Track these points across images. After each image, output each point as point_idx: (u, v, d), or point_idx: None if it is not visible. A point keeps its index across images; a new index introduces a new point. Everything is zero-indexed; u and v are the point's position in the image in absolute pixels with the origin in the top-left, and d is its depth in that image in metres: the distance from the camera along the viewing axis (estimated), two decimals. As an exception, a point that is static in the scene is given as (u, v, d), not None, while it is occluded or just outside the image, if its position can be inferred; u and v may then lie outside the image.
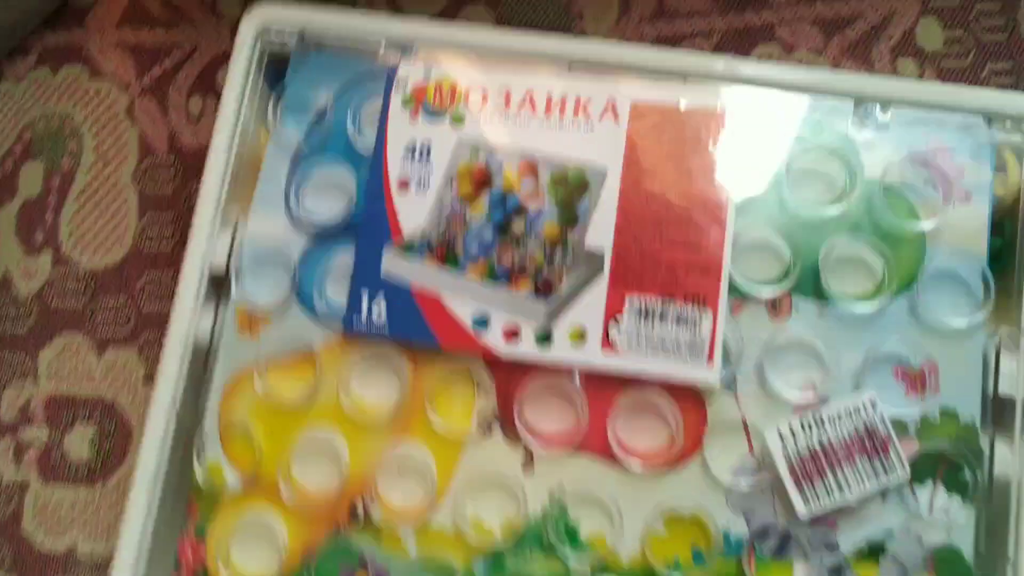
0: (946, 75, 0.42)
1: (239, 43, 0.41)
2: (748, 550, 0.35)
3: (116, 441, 0.41)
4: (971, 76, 0.42)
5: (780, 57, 0.43)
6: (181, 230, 0.44)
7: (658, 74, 0.39)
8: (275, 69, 0.42)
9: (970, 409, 0.35)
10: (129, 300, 0.43)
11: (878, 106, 0.37)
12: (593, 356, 0.36)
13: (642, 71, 0.39)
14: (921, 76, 0.42)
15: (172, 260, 0.43)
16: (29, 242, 0.45)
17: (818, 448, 0.34)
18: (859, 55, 0.43)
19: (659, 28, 0.45)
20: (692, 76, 0.38)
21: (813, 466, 0.34)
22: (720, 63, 0.38)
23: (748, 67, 0.39)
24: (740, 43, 0.44)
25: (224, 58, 0.46)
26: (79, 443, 0.42)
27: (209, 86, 0.46)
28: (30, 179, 0.45)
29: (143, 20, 0.47)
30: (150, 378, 0.42)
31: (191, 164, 0.45)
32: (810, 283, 0.37)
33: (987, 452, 0.35)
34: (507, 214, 0.38)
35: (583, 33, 0.45)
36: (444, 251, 0.38)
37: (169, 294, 0.43)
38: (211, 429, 0.38)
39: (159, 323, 0.43)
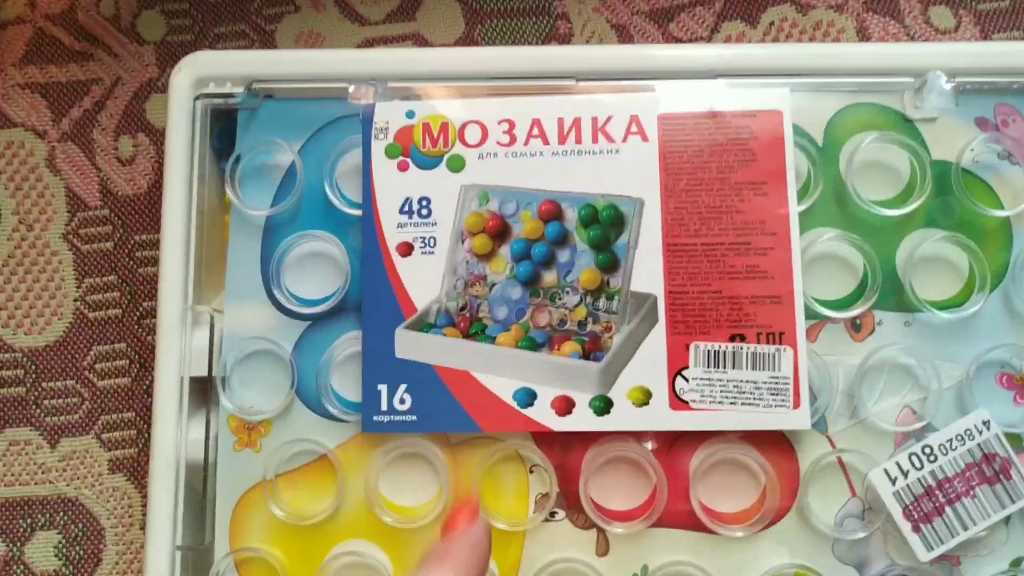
0: (985, 19, 0.37)
1: (173, 105, 0.34)
2: (866, 605, 0.31)
3: (86, 545, 0.36)
4: (1012, 18, 0.37)
5: (795, 20, 0.38)
6: (129, 293, 0.37)
7: (683, 74, 0.33)
8: (221, 126, 0.35)
9: (1085, 407, 0.32)
10: (79, 380, 0.37)
11: (942, 77, 0.32)
12: (662, 418, 0.31)
13: (663, 74, 0.33)
14: (958, 26, 0.37)
15: (123, 328, 0.37)
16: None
17: (932, 484, 0.30)
18: (884, 8, 0.37)
19: (652, 0, 0.39)
20: (725, 72, 0.33)
21: (929, 504, 0.30)
22: (758, 51, 0.33)
23: (789, 52, 0.33)
24: (747, 8, 0.38)
25: (153, 87, 0.39)
26: (43, 553, 0.36)
27: (138, 122, 0.38)
28: (-58, 259, 0.38)
29: (51, 54, 0.39)
30: (116, 466, 0.36)
31: (130, 213, 0.38)
32: (891, 292, 0.32)
33: (1110, 452, 0.31)
34: (535, 266, 0.32)
35: (564, 15, 0.38)
36: (468, 321, 0.32)
37: (123, 369, 0.37)
38: (225, 564, 0.32)
39: (116, 401, 0.36)
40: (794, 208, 0.31)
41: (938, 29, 0.37)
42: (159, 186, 0.39)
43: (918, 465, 0.30)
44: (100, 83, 0.39)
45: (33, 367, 0.37)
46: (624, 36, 0.39)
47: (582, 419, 0.31)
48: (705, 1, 0.39)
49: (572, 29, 0.39)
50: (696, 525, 0.31)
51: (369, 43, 0.39)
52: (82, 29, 0.40)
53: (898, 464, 0.30)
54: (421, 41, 0.39)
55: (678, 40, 0.38)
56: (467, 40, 0.39)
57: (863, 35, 0.37)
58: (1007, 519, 0.31)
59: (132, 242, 0.38)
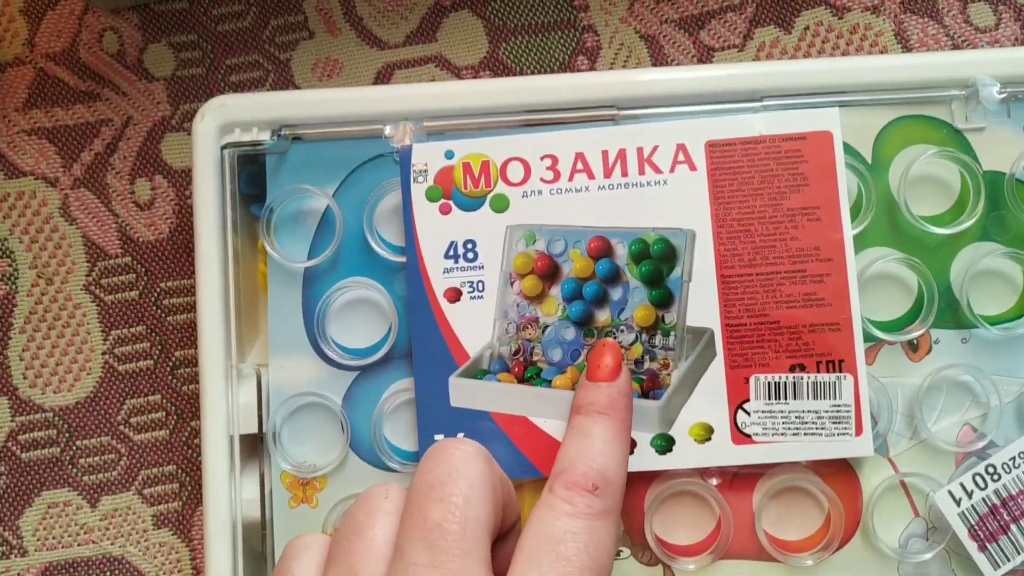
0: (1024, 12, 0.36)
1: (199, 154, 0.32)
2: (933, 622, 0.31)
3: None
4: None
5: (831, 24, 0.37)
6: (160, 343, 0.36)
7: (727, 97, 0.32)
8: (248, 170, 0.33)
9: None
10: (114, 435, 0.36)
11: (994, 86, 0.31)
12: (726, 453, 0.31)
13: (707, 98, 0.32)
14: (998, 23, 0.36)
15: (156, 380, 0.36)
16: (-23, 396, 0.37)
17: (997, 502, 0.30)
18: (922, 8, 0.36)
19: (681, 8, 0.37)
20: (771, 93, 0.32)
21: (995, 523, 0.30)
22: (803, 68, 0.32)
23: (835, 67, 0.32)
24: (780, 13, 0.37)
25: (166, 126, 0.37)
26: None
27: (155, 163, 0.37)
28: (-42, 318, 0.37)
29: (55, 96, 0.37)
30: (161, 521, 0.35)
31: (153, 259, 0.37)
32: (947, 309, 0.32)
33: None
34: (587, 306, 0.31)
35: (591, 28, 0.37)
36: (522, 365, 0.31)
37: (160, 422, 0.36)
38: (290, 618, 0.32)
39: (156, 455, 0.36)
40: (848, 232, 0.31)
41: (978, 28, 0.36)
42: (181, 230, 0.37)
43: (982, 485, 0.31)
44: (110, 124, 0.38)
45: (66, 426, 0.37)
46: (654, 47, 0.37)
47: (644, 458, 0.31)
48: (736, 7, 0.37)
49: (600, 42, 0.38)
50: (762, 555, 0.31)
51: (389, 68, 0.38)
52: (86, 67, 0.38)
53: (962, 485, 0.31)
54: (444, 63, 0.38)
55: (710, 48, 0.37)
56: (492, 60, 0.38)
57: (901, 38, 0.36)
58: (1069, 530, 0.31)
59: (158, 290, 0.37)
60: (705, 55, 0.37)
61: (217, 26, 0.38)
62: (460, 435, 0.31)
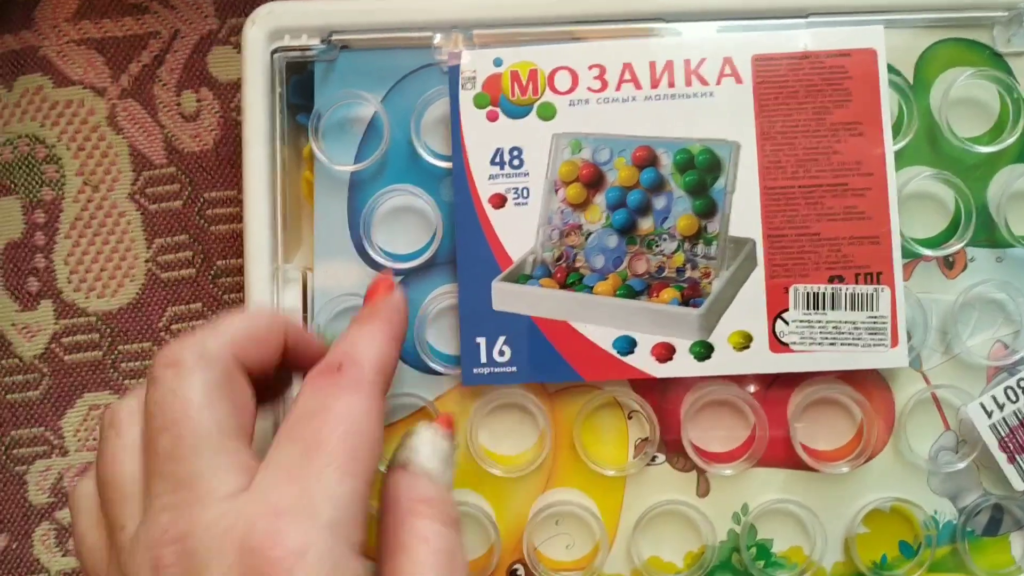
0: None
1: (249, 60, 0.33)
2: (960, 533, 0.32)
3: None
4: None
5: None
6: (202, 252, 0.37)
7: (774, 12, 0.32)
8: (296, 79, 0.34)
9: None
10: (155, 341, 0.36)
11: (1036, 9, 0.32)
12: (764, 361, 0.31)
13: (754, 13, 0.32)
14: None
15: (198, 288, 0.37)
16: (22, 293, 0.37)
17: (1027, 415, 0.31)
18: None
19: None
20: (817, 10, 0.32)
21: (1024, 436, 0.31)
22: (846, -13, 0.32)
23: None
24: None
25: (213, 39, 0.37)
26: None
27: (201, 76, 0.37)
28: (7, 219, 0.37)
29: (104, 8, 0.38)
30: None
31: (198, 170, 0.37)
32: (982, 228, 0.32)
33: None
34: (631, 214, 0.32)
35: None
36: (564, 271, 0.32)
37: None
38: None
39: None
40: (890, 148, 0.31)
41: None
42: (226, 142, 0.38)
43: (1013, 398, 0.31)
44: (158, 36, 0.38)
45: (108, 330, 0.37)
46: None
47: (683, 365, 0.31)
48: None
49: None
50: (796, 463, 0.32)
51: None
52: (135, -20, 0.38)
53: (994, 398, 0.31)
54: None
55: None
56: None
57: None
58: (1096, 446, 0.32)
59: (202, 200, 0.37)
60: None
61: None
62: (501, 339, 0.31)
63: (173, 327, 0.37)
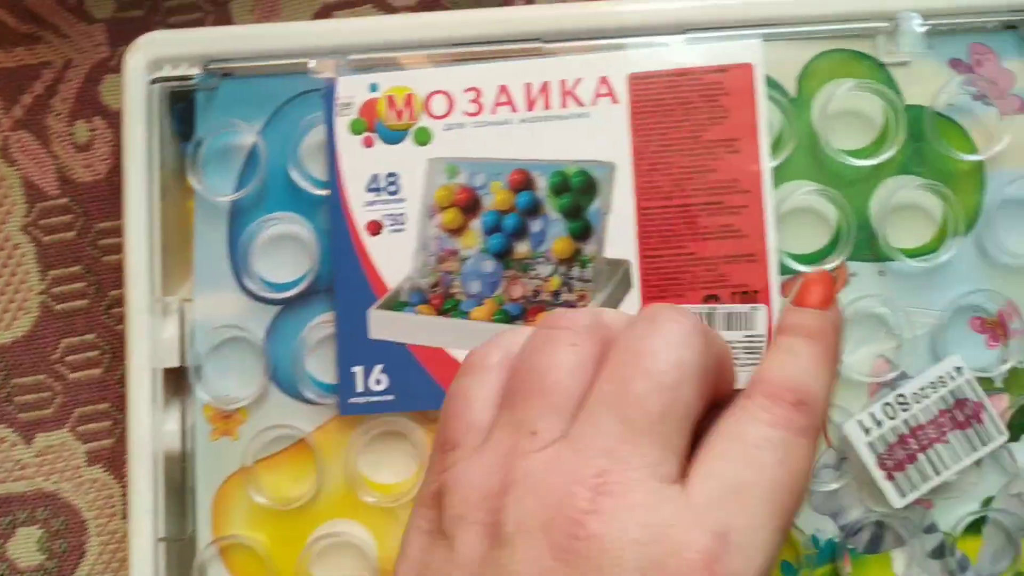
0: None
1: (128, 90, 0.32)
2: (842, 551, 0.32)
3: (69, 538, 0.36)
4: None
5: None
6: (95, 282, 0.37)
7: (651, 30, 0.32)
8: (181, 107, 0.33)
9: (1056, 347, 0.32)
10: (50, 374, 0.37)
11: (915, 19, 0.31)
12: (642, 384, 0.31)
13: (631, 31, 0.32)
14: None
15: (91, 319, 0.36)
16: (-83, 334, 0.37)
17: (906, 432, 0.31)
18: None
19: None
20: (694, 26, 0.32)
21: (902, 452, 0.31)
22: (727, 1, 0.32)
23: (759, 0, 0.32)
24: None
25: (105, 68, 0.37)
26: (26, 549, 0.36)
27: (94, 105, 0.37)
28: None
29: (-6, 37, 0.38)
30: (94, 458, 0.36)
31: (91, 200, 0.37)
32: (865, 242, 0.32)
33: (1080, 390, 0.32)
34: (507, 238, 0.32)
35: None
36: (441, 298, 0.32)
37: (94, 360, 0.37)
38: (209, 552, 0.32)
39: (90, 393, 0.36)
40: (767, 164, 0.31)
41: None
42: (119, 171, 0.37)
43: (891, 415, 0.31)
44: (50, 66, 0.38)
45: (2, 364, 0.37)
46: (588, -13, 0.37)
47: (562, 388, 0.31)
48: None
49: (535, -19, 0.37)
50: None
51: (327, 9, 0.38)
52: (27, 10, 0.38)
53: (872, 415, 0.31)
54: (382, 4, 0.37)
55: (644, -12, 0.37)
56: (430, 0, 0.37)
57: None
58: (978, 461, 0.32)
59: (94, 230, 0.37)
60: (639, -6, 0.37)
61: (154, -35, 0.38)
62: (378, 368, 0.31)
63: (67, 358, 0.37)
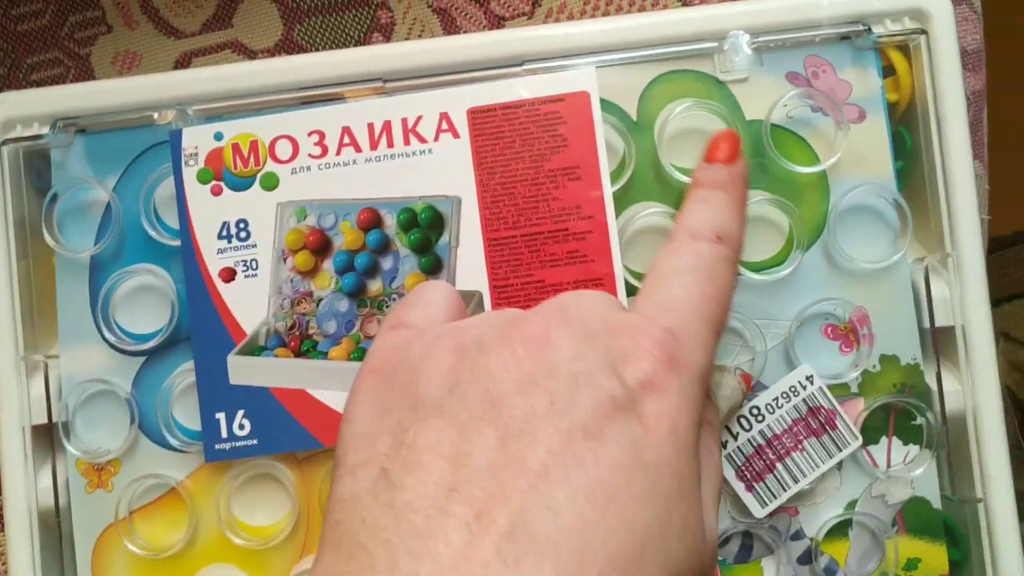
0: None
1: (-23, 151, 0.33)
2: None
3: None
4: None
5: (620, -15, 0.37)
6: None
7: (489, 64, 0.32)
8: (38, 166, 0.34)
9: (910, 349, 0.32)
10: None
11: (743, 38, 0.32)
12: (500, 412, 0.31)
13: (469, 66, 0.32)
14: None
15: None
16: None
17: (762, 443, 0.31)
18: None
19: (477, -19, 0.38)
20: (531, 57, 0.32)
21: (761, 463, 0.31)
22: (560, 31, 0.32)
23: (590, 29, 0.32)
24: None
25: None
26: None
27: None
28: None
29: None
30: None
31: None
32: (714, 259, 0.33)
33: (935, 389, 0.32)
34: (359, 277, 0.32)
35: (385, 5, 0.38)
36: (298, 339, 0.32)
37: None
38: (96, 602, 0.32)
39: None
40: (608, 189, 0.31)
41: (754, -19, 0.37)
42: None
43: (747, 427, 0.31)
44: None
45: None
46: (446, 20, 0.38)
47: (423, 422, 0.31)
48: (523, -26, 0.38)
49: (394, 17, 0.38)
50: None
51: (187, 56, 0.38)
52: None
53: (728, 428, 0.31)
54: (240, 48, 0.38)
55: (501, 18, 0.38)
56: (287, 42, 0.38)
57: (681, -5, 0.37)
58: (840, 465, 0.32)
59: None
60: (496, 24, 0.38)
61: (16, 26, 0.38)
62: (240, 413, 0.32)
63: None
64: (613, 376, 0.21)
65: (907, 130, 0.33)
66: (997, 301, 0.82)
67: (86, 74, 0.38)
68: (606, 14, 0.37)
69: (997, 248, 0.83)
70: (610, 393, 0.20)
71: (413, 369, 0.22)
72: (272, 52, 0.38)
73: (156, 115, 0.33)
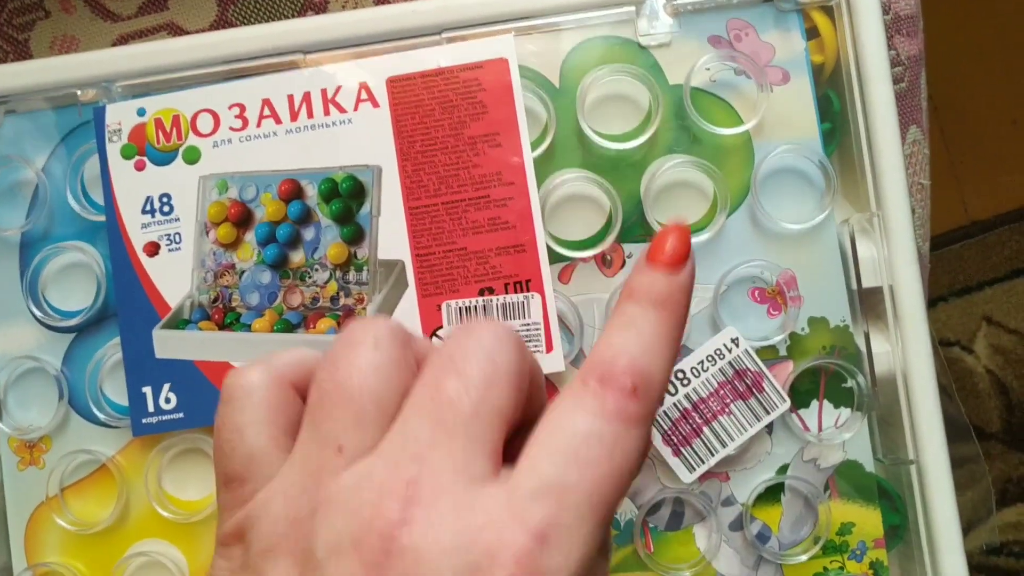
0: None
1: (-98, 133, 0.33)
2: (642, 529, 0.32)
3: None
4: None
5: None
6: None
7: (408, 33, 0.32)
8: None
9: (839, 311, 0.32)
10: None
11: (660, 2, 0.32)
12: (424, 381, 0.31)
13: (388, 36, 0.32)
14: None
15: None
16: None
17: (688, 407, 0.31)
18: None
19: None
20: (450, 26, 0.32)
21: (687, 427, 0.31)
22: (478, 0, 0.32)
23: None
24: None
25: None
26: None
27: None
28: None
29: None
30: None
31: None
32: (639, 224, 0.32)
33: (864, 351, 0.32)
34: (281, 248, 0.32)
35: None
36: (222, 312, 0.32)
37: None
38: (30, 579, 0.32)
39: None
40: (528, 155, 0.31)
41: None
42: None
43: (673, 391, 0.31)
44: None
45: None
46: (378, -3, 0.38)
47: (347, 392, 0.31)
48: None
49: (327, -3, 0.38)
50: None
51: (124, 39, 0.38)
52: None
53: (654, 393, 0.31)
54: (176, 30, 0.38)
55: (433, -6, 0.38)
56: (221, 22, 0.38)
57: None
58: (770, 429, 0.32)
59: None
60: None
61: (-44, 13, 0.39)
62: (166, 387, 0.32)
63: None
64: None
65: (834, 92, 0.33)
66: (979, 285, 0.81)
67: (24, 58, 0.38)
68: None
69: (978, 232, 0.83)
70: None
71: (259, 570, 0.19)
72: (207, 32, 0.38)
73: (80, 92, 0.33)
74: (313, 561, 0.18)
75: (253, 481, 0.20)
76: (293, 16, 0.38)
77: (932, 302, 0.79)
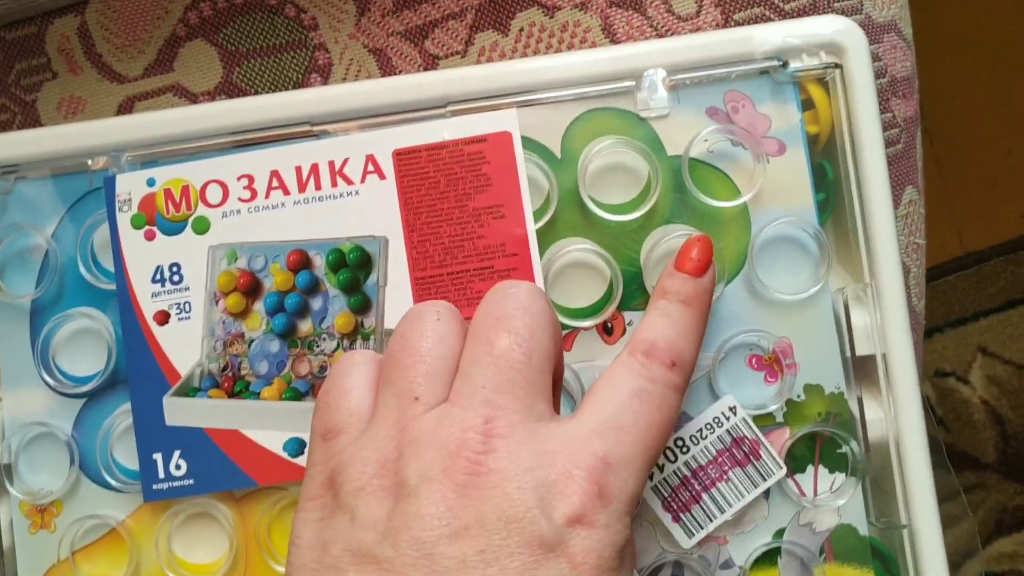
0: (727, 1, 0.37)
1: (-86, 202, 0.34)
2: (646, 592, 0.33)
3: None
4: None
5: (543, 24, 0.38)
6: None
7: (414, 106, 0.33)
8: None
9: (834, 378, 0.33)
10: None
11: (659, 75, 0.33)
12: (429, 448, 0.32)
13: (394, 108, 0.33)
14: (699, 11, 0.37)
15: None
16: None
17: (687, 473, 0.32)
18: (626, 1, 0.38)
19: (406, 20, 0.39)
20: (455, 99, 0.33)
21: (687, 494, 0.32)
22: (480, 73, 0.33)
23: (510, 70, 0.33)
24: (497, 17, 0.38)
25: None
26: None
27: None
28: None
29: None
30: None
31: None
32: (639, 292, 0.33)
33: (858, 416, 0.33)
34: (289, 317, 0.33)
35: (322, 46, 0.38)
36: (231, 380, 0.33)
37: None
38: (44, 641, 0.33)
39: None
40: (531, 226, 0.32)
41: (680, 16, 0.37)
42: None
43: (672, 458, 0.32)
44: None
45: None
46: (382, 59, 0.39)
47: (354, 459, 0.32)
48: (457, 14, 0.39)
49: (331, 59, 0.39)
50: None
51: (130, 100, 0.39)
52: None
53: (654, 460, 0.32)
54: (181, 91, 0.39)
55: (435, 57, 0.38)
56: (227, 84, 0.39)
57: (608, 31, 0.38)
58: (767, 494, 0.33)
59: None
60: (431, 63, 0.39)
61: (-36, 73, 0.39)
62: (177, 453, 0.32)
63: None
64: (542, 516, 0.21)
65: (828, 162, 0.34)
66: (975, 315, 0.82)
67: (32, 120, 0.39)
68: (536, 52, 0.38)
69: (973, 263, 0.84)
70: (539, 534, 0.21)
71: (349, 508, 0.22)
72: (212, 94, 0.39)
73: (90, 161, 0.33)
74: (405, 489, 0.22)
75: (347, 433, 0.24)
76: (298, 77, 0.39)
77: (928, 333, 0.80)
